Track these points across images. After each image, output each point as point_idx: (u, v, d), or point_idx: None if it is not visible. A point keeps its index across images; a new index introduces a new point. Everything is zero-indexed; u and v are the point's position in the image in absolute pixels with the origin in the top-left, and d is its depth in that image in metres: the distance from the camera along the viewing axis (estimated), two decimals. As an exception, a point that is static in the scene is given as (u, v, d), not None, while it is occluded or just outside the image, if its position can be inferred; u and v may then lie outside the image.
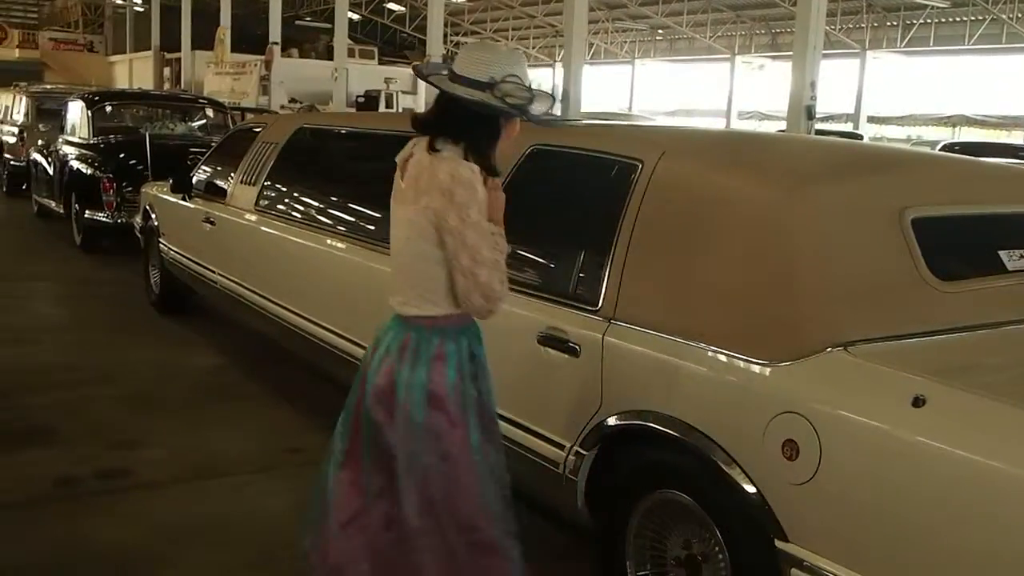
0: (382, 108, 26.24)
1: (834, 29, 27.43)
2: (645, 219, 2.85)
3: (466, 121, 2.34)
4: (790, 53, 14.15)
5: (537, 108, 2.37)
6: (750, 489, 2.35)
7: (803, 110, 12.43)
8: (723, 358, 2.49)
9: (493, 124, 2.38)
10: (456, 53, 2.48)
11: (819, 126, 15.98)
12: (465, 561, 2.40)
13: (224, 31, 27.54)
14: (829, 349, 2.31)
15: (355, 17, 36.61)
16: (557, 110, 2.64)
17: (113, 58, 40.27)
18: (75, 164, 9.46)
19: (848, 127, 27.23)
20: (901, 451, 2.05)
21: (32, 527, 3.52)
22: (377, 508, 2.42)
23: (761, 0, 30.38)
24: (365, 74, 28.90)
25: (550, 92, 2.46)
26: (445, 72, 2.39)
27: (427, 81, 2.46)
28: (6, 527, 3.51)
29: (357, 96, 26.70)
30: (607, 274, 2.87)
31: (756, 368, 2.41)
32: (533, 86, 2.40)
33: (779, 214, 2.60)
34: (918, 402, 2.05)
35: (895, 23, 29.21)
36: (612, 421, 2.75)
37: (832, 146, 3.84)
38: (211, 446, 4.40)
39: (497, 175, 2.43)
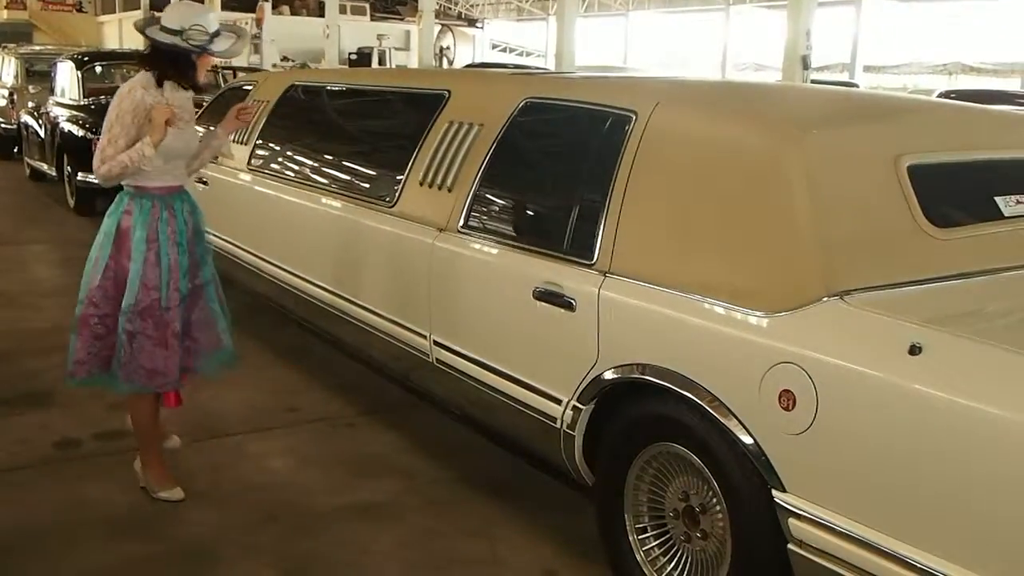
0: (375, 65, 25.96)
1: (830, -23, 27.03)
2: (640, 171, 2.83)
3: (162, 57, 3.28)
4: (785, 3, 13.99)
5: (218, 46, 3.31)
6: (747, 440, 2.36)
7: (799, 60, 12.32)
8: (719, 310, 2.48)
9: (185, 58, 3.28)
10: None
11: (815, 76, 15.83)
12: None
13: (213, -12, 27.13)
14: (825, 299, 2.31)
15: (345, -28, 36.02)
16: (245, 45, 3.52)
17: (103, 18, 39.67)
18: (66, 126, 9.37)
19: (844, 77, 26.98)
20: (898, 399, 2.05)
21: (32, 489, 3.54)
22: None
23: (756, -51, 29.93)
24: (357, 31, 28.56)
25: (240, 33, 3.42)
26: (156, 25, 3.28)
27: (142, 33, 3.33)
28: (6, 490, 3.53)
29: (349, 53, 26.41)
30: (602, 227, 2.85)
31: (752, 319, 2.40)
32: (225, 32, 3.35)
33: (774, 163, 2.57)
34: (914, 350, 2.04)
35: (892, -30, 28.77)
36: (609, 375, 2.75)
37: (828, 94, 3.79)
38: (208, 406, 4.40)
39: (202, 92, 3.64)
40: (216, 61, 3.90)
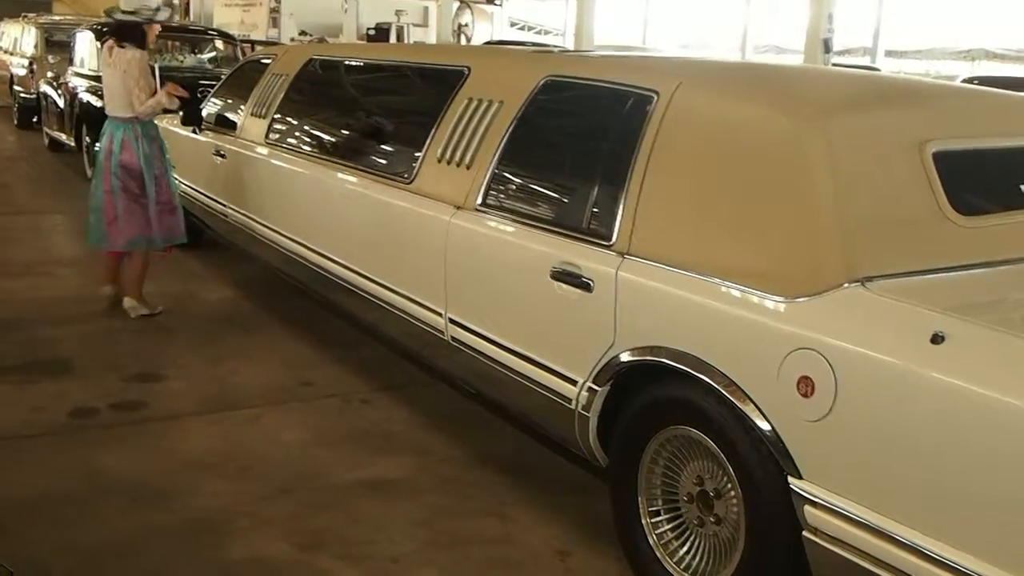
0: (392, 41, 25.85)
1: (855, -41, 26.66)
2: (660, 152, 2.80)
3: (126, 30, 5.20)
4: (808, -16, 13.83)
5: (160, 16, 5.32)
6: (764, 426, 2.34)
7: (820, 43, 12.21)
8: (738, 293, 2.46)
9: (139, 28, 5.18)
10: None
11: (836, 60, 15.65)
12: None
13: (232, -39, 27.01)
14: (846, 284, 2.28)
15: (365, -53, 35.78)
16: (164, 13, 5.39)
17: (121, -11, 39.71)
18: (85, 96, 9.38)
19: (866, 61, 26.68)
20: (919, 389, 2.03)
21: (48, 458, 3.56)
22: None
23: (780, -72, 29.54)
24: (376, 6, 28.33)
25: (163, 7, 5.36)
26: (117, 10, 5.26)
27: (111, 18, 5.33)
28: (23, 457, 3.56)
29: (368, 29, 26.27)
30: (621, 208, 2.83)
31: (772, 304, 2.38)
32: (163, 8, 5.37)
33: (797, 145, 2.54)
34: (937, 339, 2.02)
35: (918, -47, 28.37)
36: (625, 357, 2.73)
37: (852, 77, 3.74)
38: (225, 378, 4.43)
39: (147, 50, 5.28)
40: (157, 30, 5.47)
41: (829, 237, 2.37)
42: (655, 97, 2.89)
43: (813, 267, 2.36)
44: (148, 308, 5.27)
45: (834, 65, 13.38)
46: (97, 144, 8.99)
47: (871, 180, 2.51)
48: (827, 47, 12.19)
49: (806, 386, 2.24)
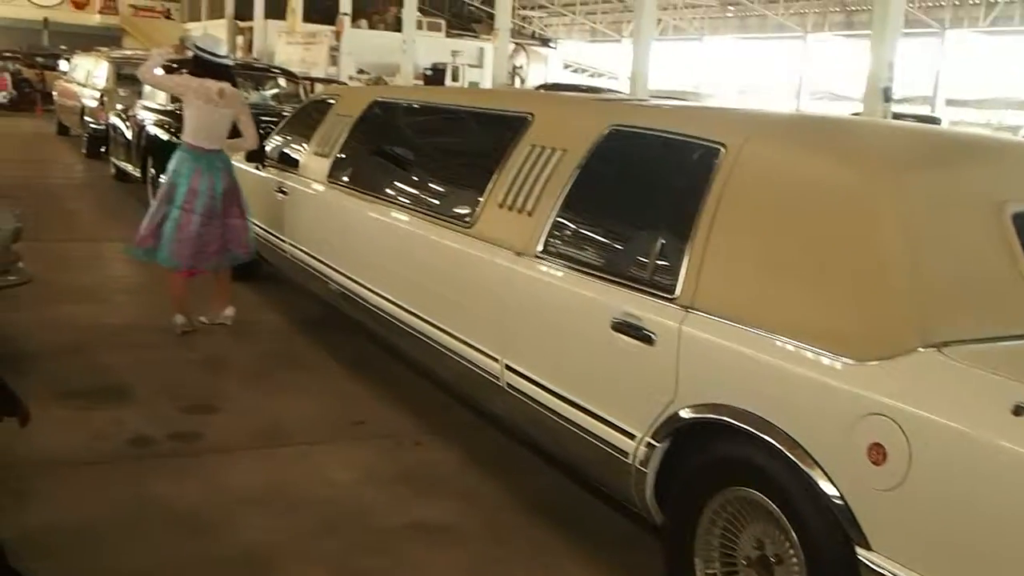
0: (448, 81, 26.18)
1: (912, 7, 26.50)
2: (728, 205, 2.77)
3: (227, 71, 5.76)
4: (864, 32, 13.71)
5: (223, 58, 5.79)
6: (831, 491, 2.28)
7: (880, 92, 12.03)
8: (806, 353, 2.41)
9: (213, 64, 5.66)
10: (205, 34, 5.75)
11: (894, 108, 15.49)
12: None
13: (296, 1, 27.69)
14: (921, 349, 2.22)
15: (424, -12, 36.48)
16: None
17: (188, 25, 40.74)
18: (152, 129, 9.61)
19: (925, 110, 26.39)
20: (1000, 462, 1.95)
21: (106, 485, 3.60)
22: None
23: (837, -23, 29.51)
24: (432, 46, 28.82)
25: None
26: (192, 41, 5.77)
27: (192, 48, 5.73)
28: (82, 483, 3.60)
29: (425, 69, 26.68)
30: (686, 261, 2.80)
31: (842, 366, 2.32)
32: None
33: (871, 203, 2.49)
34: (1020, 410, 1.95)
35: (978, 1, 28.10)
36: (686, 413, 2.69)
37: (927, 132, 3.68)
38: (279, 413, 4.45)
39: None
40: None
41: (904, 299, 2.31)
42: (722, 150, 2.87)
43: (886, 329, 2.30)
44: (191, 325, 5.58)
45: (894, 114, 13.24)
46: (162, 175, 9.24)
47: (948, 240, 2.46)
48: (887, 96, 12.01)
49: (877, 453, 2.17)
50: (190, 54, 5.77)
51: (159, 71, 5.73)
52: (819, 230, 2.56)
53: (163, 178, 5.71)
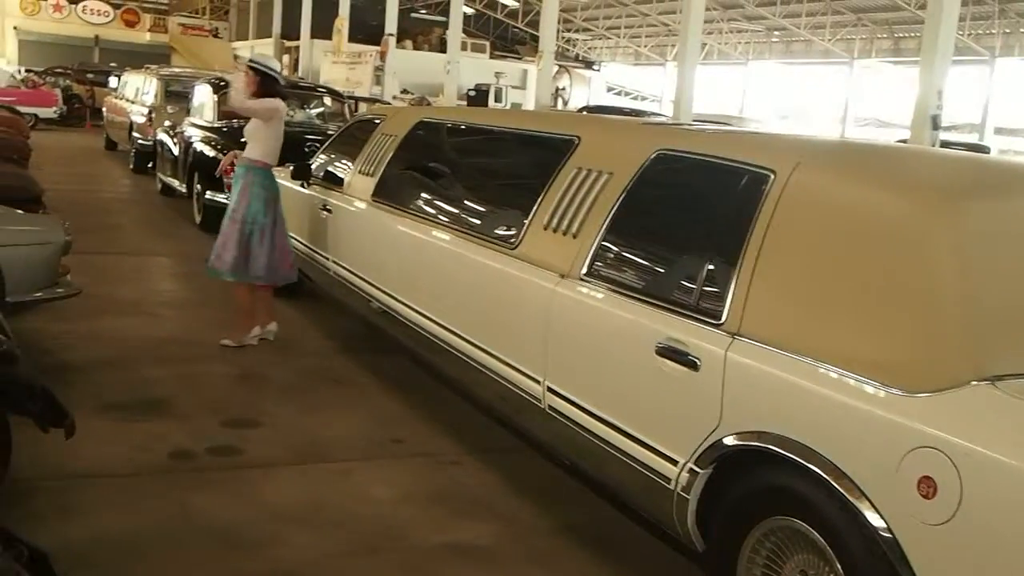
0: (491, 102, 26.34)
1: (962, 34, 26.19)
2: (776, 232, 2.75)
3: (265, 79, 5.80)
4: (912, 59, 13.58)
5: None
6: (879, 524, 2.24)
7: (928, 119, 11.89)
8: (856, 383, 2.38)
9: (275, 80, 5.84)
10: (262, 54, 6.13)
11: (942, 136, 15.29)
12: None
13: (342, 21, 28.07)
14: (974, 382, 2.18)
15: (469, 11, 36.87)
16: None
17: (236, 44, 41.58)
18: (199, 146, 9.77)
19: (973, 138, 26.02)
20: (1057, 500, 1.91)
21: (145, 498, 3.63)
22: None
23: (884, 3, 29.27)
24: (476, 68, 29.08)
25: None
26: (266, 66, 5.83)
27: (266, 69, 5.77)
28: (121, 496, 3.64)
29: (468, 90, 26.90)
30: (733, 287, 2.78)
31: (892, 397, 2.28)
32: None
33: (925, 232, 2.46)
34: (1077, 448, 1.91)
35: (1030, 29, 27.69)
36: (730, 440, 2.66)
37: (979, 161, 3.62)
38: (318, 430, 4.47)
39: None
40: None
41: (958, 331, 2.27)
42: (771, 176, 2.85)
43: (938, 361, 2.26)
44: (236, 340, 5.67)
45: (942, 142, 13.07)
46: (209, 192, 9.44)
47: (1001, 271, 2.42)
48: (935, 123, 11.87)
49: (927, 487, 2.13)
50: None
51: (247, 99, 5.73)
52: (870, 258, 2.53)
53: (232, 198, 5.77)
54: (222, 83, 10.86)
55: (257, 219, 5.55)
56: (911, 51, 28.12)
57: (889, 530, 2.22)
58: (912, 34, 28.68)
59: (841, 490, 2.33)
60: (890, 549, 2.21)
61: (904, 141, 13.48)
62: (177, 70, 17.54)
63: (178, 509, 3.55)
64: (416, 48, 33.65)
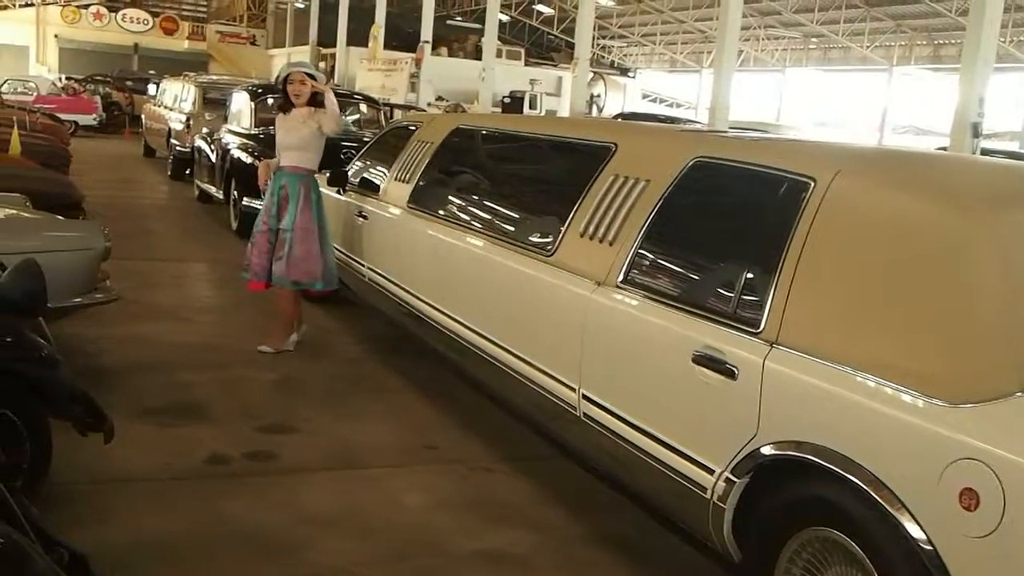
0: (526, 109, 26.38)
1: (1003, 41, 25.81)
2: (816, 240, 2.72)
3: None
4: (952, 66, 13.40)
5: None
6: (919, 535, 2.20)
7: (969, 127, 11.71)
8: (896, 393, 2.34)
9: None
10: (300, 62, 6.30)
11: (982, 144, 15.05)
12: None
13: (378, 29, 28.25)
14: (1019, 393, 2.14)
15: (504, 18, 37.00)
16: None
17: (273, 51, 42.02)
18: (236, 152, 9.87)
19: (1013, 146, 25.60)
20: (1106, 515, 1.87)
21: (181, 503, 3.67)
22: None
23: (924, 9, 28.95)
24: (511, 75, 29.14)
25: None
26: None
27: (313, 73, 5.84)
28: (157, 499, 3.68)
29: (503, 97, 26.96)
30: (771, 295, 2.75)
31: (934, 407, 2.25)
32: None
33: (967, 240, 2.42)
34: None
35: (1073, 35, 27.24)
36: (768, 450, 2.63)
37: (1022, 169, 3.56)
38: (351, 436, 4.49)
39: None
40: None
41: (1002, 341, 2.24)
42: (812, 184, 2.83)
43: (982, 372, 2.22)
44: (274, 347, 5.75)
45: (982, 150, 12.87)
46: (246, 199, 9.52)
47: (1046, 282, 2.37)
48: (976, 131, 11.69)
49: (970, 499, 2.09)
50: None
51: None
52: (913, 267, 2.50)
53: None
54: (259, 90, 10.99)
55: (324, 226, 5.76)
56: (951, 58, 27.75)
57: (929, 542, 2.18)
58: (952, 41, 28.33)
59: (881, 501, 2.29)
60: (930, 561, 2.18)
61: (944, 149, 13.30)
62: (215, 77, 17.74)
63: (212, 514, 3.58)
64: (452, 55, 33.79)
